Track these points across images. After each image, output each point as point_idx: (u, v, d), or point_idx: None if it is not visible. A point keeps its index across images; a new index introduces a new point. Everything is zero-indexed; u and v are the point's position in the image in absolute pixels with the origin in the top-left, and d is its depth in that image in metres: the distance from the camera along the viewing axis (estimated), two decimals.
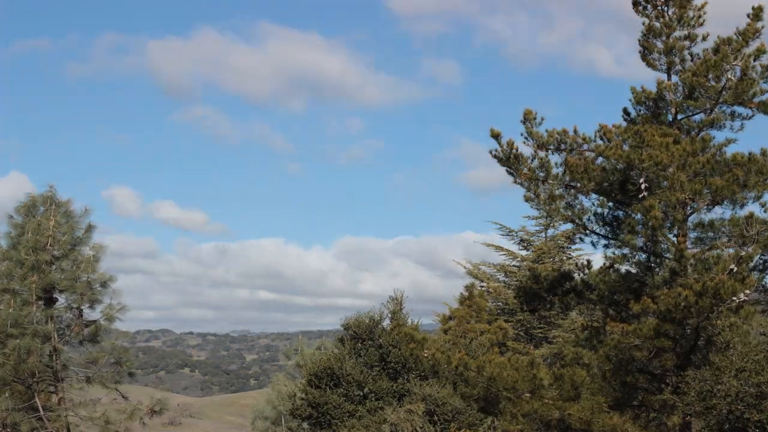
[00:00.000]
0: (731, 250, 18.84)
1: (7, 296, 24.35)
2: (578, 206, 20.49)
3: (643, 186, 18.78)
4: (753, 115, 20.14)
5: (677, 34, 20.44)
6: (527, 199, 20.31)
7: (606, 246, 20.81)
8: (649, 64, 20.67)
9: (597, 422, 18.34)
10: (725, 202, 19.24)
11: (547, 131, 20.33)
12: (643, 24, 20.66)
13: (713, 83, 19.55)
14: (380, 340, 28.10)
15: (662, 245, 19.33)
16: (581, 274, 21.42)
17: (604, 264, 20.84)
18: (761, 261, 19.87)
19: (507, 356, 19.83)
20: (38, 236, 24.79)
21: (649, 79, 22.29)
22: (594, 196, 20.37)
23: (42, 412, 24.60)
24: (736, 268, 17.47)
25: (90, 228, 26.09)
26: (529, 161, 20.17)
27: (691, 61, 20.29)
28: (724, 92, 19.55)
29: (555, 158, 20.26)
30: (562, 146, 20.24)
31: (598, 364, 19.10)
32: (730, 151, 19.94)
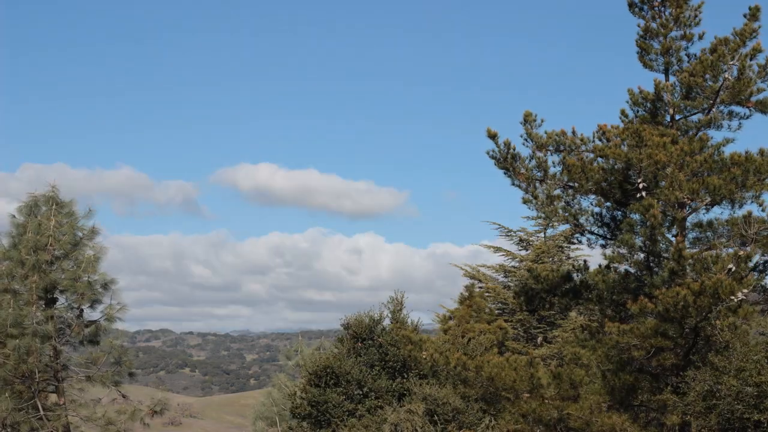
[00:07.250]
0: (730, 250, 18.84)
1: (8, 296, 24.38)
2: (576, 206, 20.52)
3: (641, 186, 18.82)
4: (751, 115, 20.12)
5: (674, 34, 20.43)
6: (525, 201, 20.34)
7: (604, 246, 20.83)
8: (646, 65, 20.67)
9: (596, 422, 18.33)
10: (723, 202, 19.24)
11: (546, 133, 20.35)
12: (639, 26, 20.68)
13: (711, 83, 19.54)
14: (380, 340, 28.10)
15: (661, 245, 19.31)
16: (580, 275, 21.43)
17: (603, 264, 20.86)
18: (761, 261, 19.88)
19: (506, 356, 19.83)
20: (39, 236, 24.81)
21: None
22: (592, 196, 20.39)
23: (42, 412, 24.64)
24: (734, 268, 17.47)
25: (93, 229, 26.12)
26: (527, 161, 20.22)
27: (688, 61, 20.29)
28: (721, 92, 19.52)
29: (553, 159, 20.32)
30: (561, 147, 20.26)
31: (598, 363, 19.11)
32: (728, 150, 19.94)
